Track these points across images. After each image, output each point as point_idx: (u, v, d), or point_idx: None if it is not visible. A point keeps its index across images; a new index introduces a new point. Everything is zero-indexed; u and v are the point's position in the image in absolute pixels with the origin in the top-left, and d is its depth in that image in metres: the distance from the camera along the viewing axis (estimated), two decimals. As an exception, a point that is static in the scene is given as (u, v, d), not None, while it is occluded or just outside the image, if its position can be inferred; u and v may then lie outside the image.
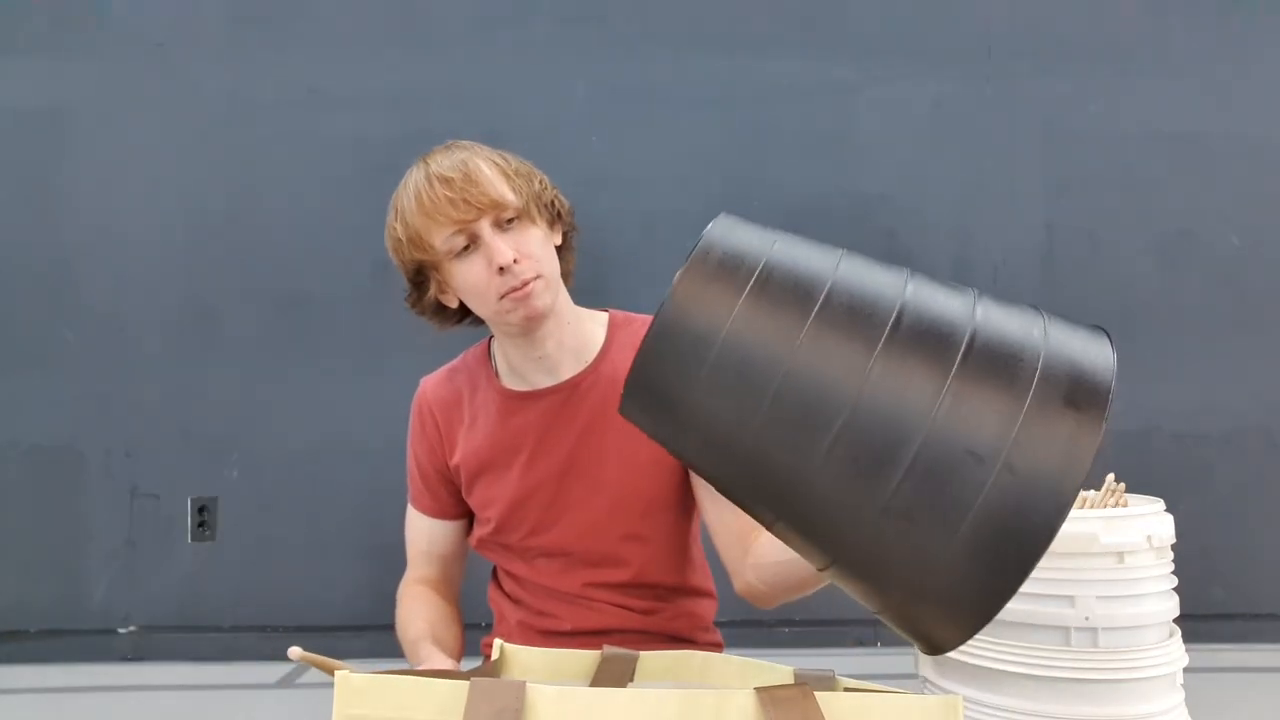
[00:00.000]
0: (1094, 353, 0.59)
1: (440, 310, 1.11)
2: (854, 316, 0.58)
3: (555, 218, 1.10)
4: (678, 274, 0.62)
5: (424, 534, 1.17)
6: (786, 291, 0.60)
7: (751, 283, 0.60)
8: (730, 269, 0.61)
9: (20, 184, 2.35)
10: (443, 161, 1.03)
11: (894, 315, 0.58)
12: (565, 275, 1.13)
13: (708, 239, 0.64)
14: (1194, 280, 2.35)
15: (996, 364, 0.57)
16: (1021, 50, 2.39)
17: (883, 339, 0.57)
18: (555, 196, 1.10)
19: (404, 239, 1.04)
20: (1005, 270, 2.36)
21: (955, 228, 2.37)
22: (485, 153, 1.06)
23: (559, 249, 1.11)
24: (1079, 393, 0.56)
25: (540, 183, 1.08)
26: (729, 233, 0.64)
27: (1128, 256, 2.36)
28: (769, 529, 0.65)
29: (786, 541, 0.66)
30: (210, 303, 2.34)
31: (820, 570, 0.65)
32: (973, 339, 0.57)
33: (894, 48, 2.39)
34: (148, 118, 2.36)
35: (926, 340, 0.57)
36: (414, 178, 1.04)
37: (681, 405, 0.62)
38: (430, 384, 1.18)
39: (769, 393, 0.58)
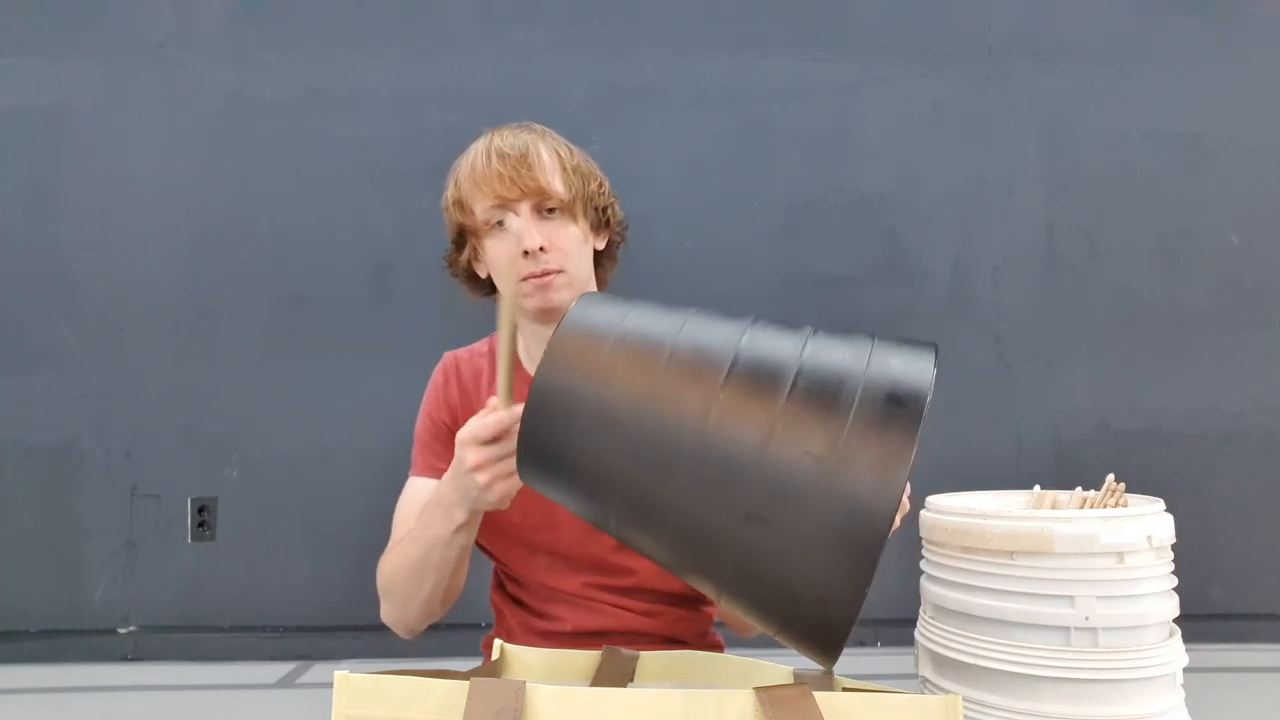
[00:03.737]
0: (914, 370, 0.66)
1: (472, 278, 1.14)
2: (695, 365, 0.69)
3: (603, 223, 1.12)
4: (545, 348, 0.73)
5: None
6: (639, 350, 0.71)
7: (610, 346, 0.71)
8: (591, 337, 0.73)
9: (20, 184, 2.35)
10: (508, 137, 1.06)
11: (730, 360, 0.68)
12: (601, 284, 1.15)
13: (569, 317, 0.75)
14: (1194, 280, 2.35)
15: (821, 391, 0.65)
16: (1021, 50, 2.39)
17: (720, 382, 0.67)
18: (610, 204, 1.13)
19: (452, 201, 1.09)
20: (1005, 270, 2.36)
21: (955, 228, 2.37)
22: (552, 141, 1.08)
23: (599, 255, 1.13)
24: (897, 404, 0.64)
25: (599, 185, 1.10)
26: (589, 309, 0.75)
27: (1128, 256, 2.36)
28: (667, 568, 0.73)
29: (683, 579, 0.73)
30: (210, 303, 2.34)
31: (716, 600, 0.71)
32: (799, 373, 0.66)
33: (894, 48, 2.39)
34: (148, 118, 2.36)
35: (758, 379, 0.67)
36: (477, 147, 1.07)
37: (564, 458, 0.71)
38: (455, 357, 1.18)
39: (631, 435, 0.68)
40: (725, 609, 1.04)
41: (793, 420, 0.64)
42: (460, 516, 0.93)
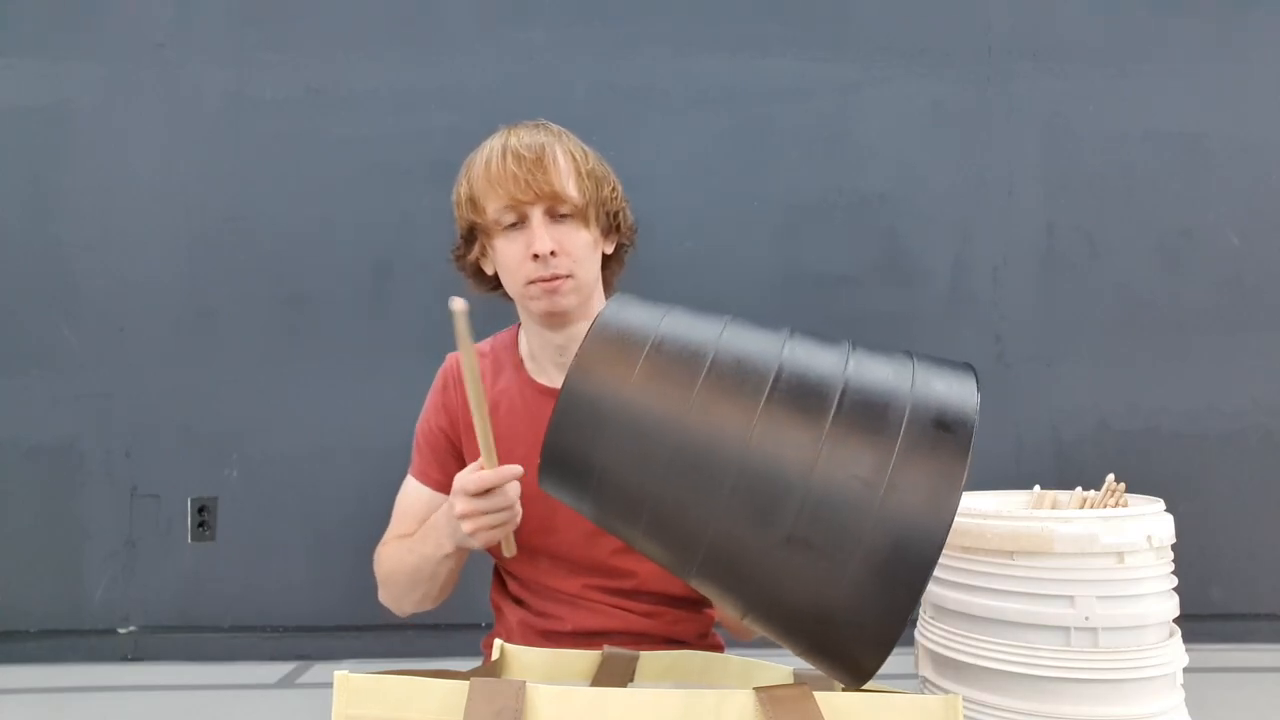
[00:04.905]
0: (958, 394, 0.65)
1: (478, 273, 1.15)
2: (737, 378, 0.65)
3: (613, 228, 1.12)
4: (576, 352, 0.69)
5: (423, 506, 1.15)
6: (676, 359, 0.67)
7: (645, 353, 0.67)
8: (625, 343, 0.69)
9: (20, 184, 2.35)
10: (524, 138, 1.05)
11: (773, 375, 0.65)
12: (607, 286, 1.16)
13: (602, 318, 0.71)
14: (1194, 280, 2.35)
15: (868, 412, 0.63)
16: (1021, 50, 2.39)
17: (764, 397, 0.64)
18: (621, 209, 1.12)
19: (464, 197, 1.08)
20: (1005, 270, 2.36)
21: (955, 228, 2.37)
22: (568, 144, 1.08)
23: (608, 258, 1.13)
24: (944, 429, 0.62)
25: (611, 190, 1.10)
26: (622, 310, 0.72)
27: (1128, 256, 2.36)
28: (689, 582, 0.70)
29: (706, 593, 0.70)
30: (210, 303, 2.34)
31: (741, 618, 0.69)
32: (844, 390, 0.64)
33: (894, 48, 2.39)
34: (148, 118, 2.35)
35: (803, 396, 0.64)
36: (492, 144, 1.06)
37: (591, 468, 0.67)
38: (456, 360, 1.18)
39: (668, 448, 0.64)
40: (729, 617, 1.05)
41: (840, 442, 0.62)
42: (449, 548, 1.01)
